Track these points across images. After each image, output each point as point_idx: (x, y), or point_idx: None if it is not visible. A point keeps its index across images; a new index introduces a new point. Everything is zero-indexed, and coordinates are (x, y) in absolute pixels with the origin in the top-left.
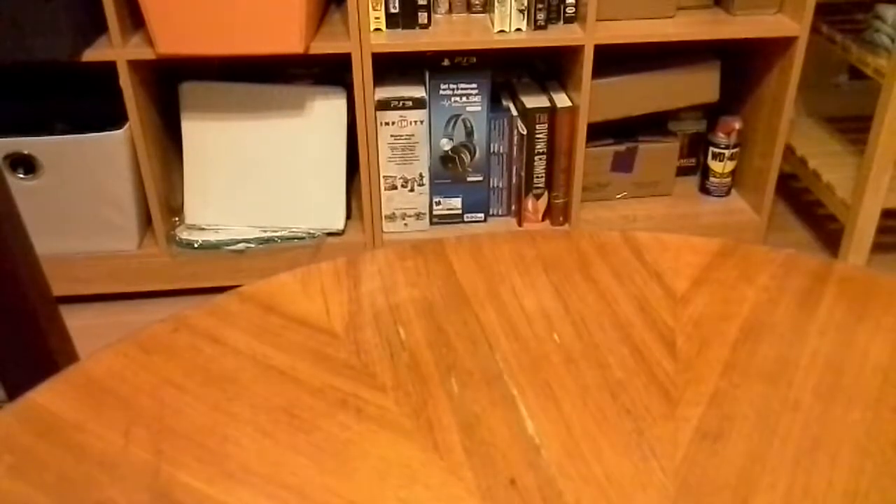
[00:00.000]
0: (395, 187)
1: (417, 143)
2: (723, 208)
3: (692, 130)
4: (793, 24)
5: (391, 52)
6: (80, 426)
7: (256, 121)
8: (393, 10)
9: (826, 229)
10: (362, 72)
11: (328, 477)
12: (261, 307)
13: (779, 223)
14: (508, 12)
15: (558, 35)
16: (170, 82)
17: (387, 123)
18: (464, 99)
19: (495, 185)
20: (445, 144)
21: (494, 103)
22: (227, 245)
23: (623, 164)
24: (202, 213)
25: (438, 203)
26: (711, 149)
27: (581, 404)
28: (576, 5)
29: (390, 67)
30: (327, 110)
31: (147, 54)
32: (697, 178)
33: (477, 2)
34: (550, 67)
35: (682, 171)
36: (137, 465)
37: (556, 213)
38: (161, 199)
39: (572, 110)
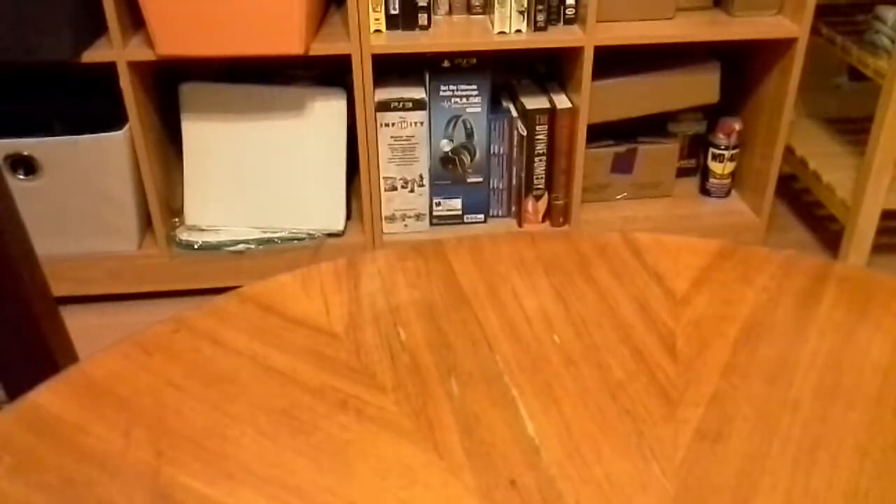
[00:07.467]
0: (395, 188)
1: (417, 144)
2: (723, 209)
3: (692, 131)
4: (792, 26)
5: (391, 54)
6: (81, 427)
7: (256, 122)
8: (393, 12)
9: (826, 230)
10: (362, 73)
11: (328, 477)
12: (261, 308)
13: (779, 224)
14: (508, 13)
15: (558, 36)
16: (170, 83)
17: (387, 125)
18: (464, 100)
19: (495, 186)
20: (445, 145)
21: (494, 104)
22: (227, 246)
23: (623, 165)
24: (202, 214)
25: (438, 204)
26: (711, 150)
27: (581, 405)
28: (576, 6)
29: (390, 69)
30: (327, 111)
31: (147, 55)
32: (697, 179)
33: (477, 3)
34: (550, 69)
35: (682, 173)
36: (138, 466)
37: (556, 215)
38: (161, 200)
39: (572, 111)
